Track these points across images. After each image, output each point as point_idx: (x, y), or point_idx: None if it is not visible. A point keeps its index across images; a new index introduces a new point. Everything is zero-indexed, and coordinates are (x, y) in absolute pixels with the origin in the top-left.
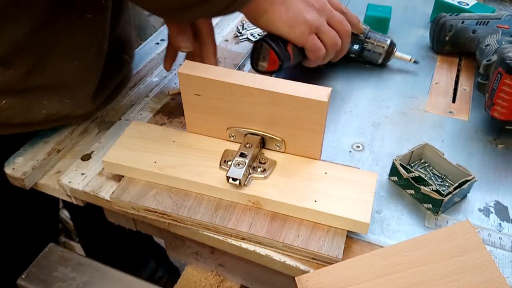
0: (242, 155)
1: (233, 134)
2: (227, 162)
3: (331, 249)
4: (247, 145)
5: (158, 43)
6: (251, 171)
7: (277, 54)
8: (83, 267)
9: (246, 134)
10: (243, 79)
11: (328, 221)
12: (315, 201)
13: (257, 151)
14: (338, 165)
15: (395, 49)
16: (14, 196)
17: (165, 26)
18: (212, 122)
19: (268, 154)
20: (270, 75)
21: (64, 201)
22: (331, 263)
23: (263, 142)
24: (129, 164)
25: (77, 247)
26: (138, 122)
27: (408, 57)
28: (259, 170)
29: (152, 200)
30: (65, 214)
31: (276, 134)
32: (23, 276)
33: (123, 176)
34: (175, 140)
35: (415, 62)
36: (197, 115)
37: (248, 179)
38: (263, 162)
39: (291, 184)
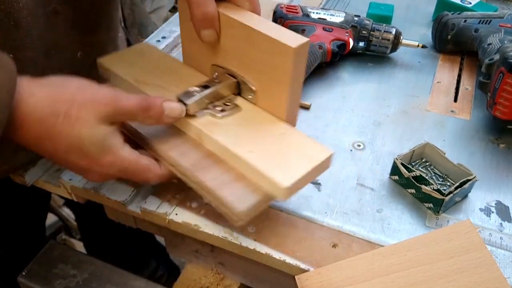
0: (205, 87)
1: (216, 72)
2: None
3: (238, 200)
4: (216, 80)
5: (159, 41)
6: (209, 106)
7: None
8: (84, 264)
9: (226, 75)
10: (232, 11)
11: (252, 174)
12: (249, 152)
13: (226, 91)
14: (300, 133)
15: (401, 38)
16: (14, 194)
17: (166, 23)
18: (202, 55)
19: (239, 101)
20: None
21: (65, 199)
22: (233, 215)
23: (239, 89)
24: (115, 71)
25: (78, 244)
26: (147, 44)
27: (416, 43)
28: (218, 109)
29: None
30: (65, 211)
31: (250, 81)
32: (24, 273)
33: None
34: (168, 65)
35: (423, 46)
36: (192, 45)
37: (201, 112)
38: (227, 104)
39: (240, 132)
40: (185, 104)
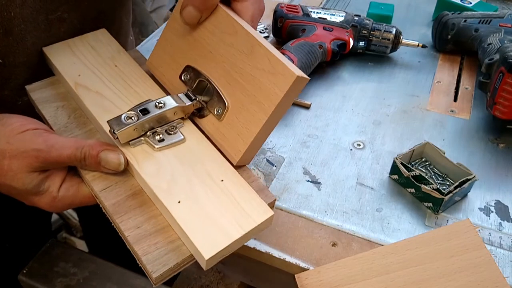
0: (143, 111)
1: (187, 75)
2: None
3: (155, 261)
4: (159, 104)
5: None
6: (148, 133)
7: None
8: (84, 262)
9: (198, 81)
10: (236, 17)
11: (177, 229)
12: (179, 202)
13: (172, 116)
14: (242, 182)
15: (401, 38)
16: None
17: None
18: (181, 51)
19: (186, 128)
20: None
21: None
22: (149, 276)
23: (201, 110)
24: (57, 65)
25: (78, 242)
26: (106, 33)
27: (416, 43)
28: (157, 137)
29: (52, 111)
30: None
31: (225, 94)
32: (24, 271)
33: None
34: (118, 65)
35: (423, 46)
36: (175, 37)
37: (136, 140)
38: (170, 132)
39: (174, 172)
40: (114, 132)
